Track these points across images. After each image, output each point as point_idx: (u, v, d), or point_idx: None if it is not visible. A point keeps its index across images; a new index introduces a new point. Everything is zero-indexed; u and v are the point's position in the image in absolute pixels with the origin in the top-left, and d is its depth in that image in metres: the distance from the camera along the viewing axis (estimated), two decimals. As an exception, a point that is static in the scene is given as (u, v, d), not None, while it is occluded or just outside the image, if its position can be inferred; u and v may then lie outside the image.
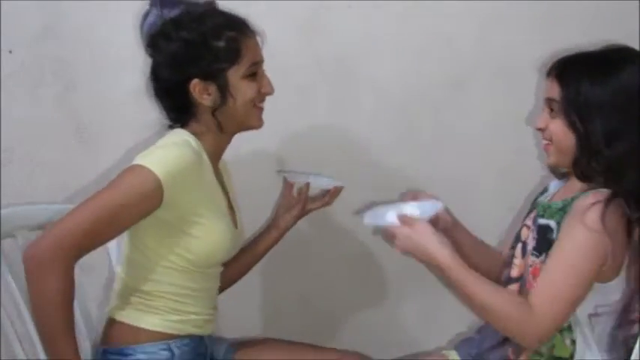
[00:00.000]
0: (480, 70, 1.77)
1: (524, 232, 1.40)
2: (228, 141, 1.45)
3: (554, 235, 1.30)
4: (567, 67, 1.32)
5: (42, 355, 1.49)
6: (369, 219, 1.43)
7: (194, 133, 1.39)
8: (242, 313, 1.88)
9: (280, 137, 1.83)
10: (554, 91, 1.31)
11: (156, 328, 1.39)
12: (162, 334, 1.39)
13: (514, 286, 1.38)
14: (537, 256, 1.33)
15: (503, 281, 1.42)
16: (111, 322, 1.43)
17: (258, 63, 1.40)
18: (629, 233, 1.25)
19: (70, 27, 1.78)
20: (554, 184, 1.46)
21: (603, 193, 1.26)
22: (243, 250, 1.61)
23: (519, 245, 1.40)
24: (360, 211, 1.56)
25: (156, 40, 1.37)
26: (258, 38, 1.41)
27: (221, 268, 1.51)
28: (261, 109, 1.43)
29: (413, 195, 1.49)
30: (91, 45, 1.72)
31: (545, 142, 1.37)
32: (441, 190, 1.83)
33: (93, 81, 1.77)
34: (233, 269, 1.59)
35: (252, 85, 1.38)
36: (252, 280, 1.89)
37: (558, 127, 1.32)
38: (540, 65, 1.49)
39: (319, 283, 1.94)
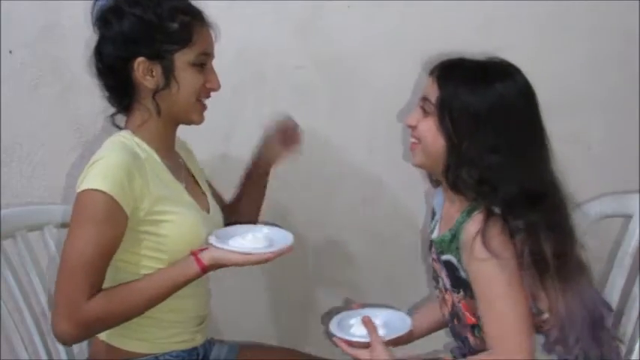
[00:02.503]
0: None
1: (437, 267, 1.38)
2: (174, 129, 1.41)
3: (461, 273, 1.29)
4: (449, 71, 1.30)
5: (43, 354, 1.50)
6: (337, 331, 1.34)
7: (135, 128, 1.36)
8: (241, 314, 1.88)
9: (280, 137, 1.83)
10: (432, 92, 1.29)
11: (140, 350, 1.37)
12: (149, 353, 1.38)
13: (456, 322, 1.37)
14: (457, 292, 1.31)
15: (447, 320, 1.40)
16: (95, 341, 1.40)
17: (208, 54, 1.37)
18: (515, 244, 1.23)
19: (70, 27, 1.78)
20: (437, 204, 1.44)
21: (478, 216, 1.24)
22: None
23: (440, 281, 1.38)
24: (331, 314, 1.47)
25: (107, 15, 1.33)
26: (212, 32, 1.38)
27: None
28: (204, 106, 1.39)
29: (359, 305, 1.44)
30: (91, 45, 1.72)
31: (412, 140, 1.34)
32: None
33: (93, 81, 1.77)
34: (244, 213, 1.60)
35: (199, 76, 1.34)
36: (251, 281, 1.89)
37: (429, 128, 1.29)
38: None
39: (319, 283, 1.94)
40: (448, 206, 1.36)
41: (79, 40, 1.78)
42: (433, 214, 1.45)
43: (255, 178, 1.63)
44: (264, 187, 1.64)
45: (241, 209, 1.62)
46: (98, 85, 1.39)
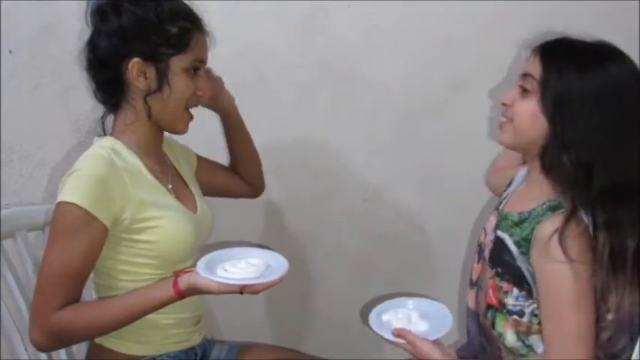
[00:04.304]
0: (480, 70, 1.77)
1: (482, 236, 1.36)
2: (161, 132, 1.39)
3: (513, 259, 1.24)
4: (554, 49, 1.24)
5: (43, 354, 1.49)
6: (378, 328, 1.30)
7: (121, 129, 1.35)
8: (241, 314, 1.88)
9: (280, 137, 1.84)
10: (535, 68, 1.23)
11: (137, 352, 1.36)
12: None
13: (473, 292, 1.35)
14: (492, 268, 1.29)
15: (469, 284, 1.39)
16: (93, 345, 1.39)
17: (202, 61, 1.36)
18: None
19: (70, 27, 1.78)
20: (519, 177, 1.40)
21: (560, 215, 1.19)
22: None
23: (479, 249, 1.36)
24: (368, 306, 1.43)
25: (106, 10, 1.32)
26: (208, 40, 1.37)
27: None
28: (190, 116, 1.38)
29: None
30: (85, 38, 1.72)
31: (503, 118, 1.29)
32: (442, 191, 1.85)
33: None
34: (246, 171, 1.65)
35: (190, 83, 1.33)
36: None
37: (526, 109, 1.23)
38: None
39: (319, 283, 1.94)
40: (525, 187, 1.32)
41: (80, 40, 1.79)
42: (510, 183, 1.41)
43: (232, 129, 1.63)
44: (244, 130, 1.63)
45: (239, 161, 1.66)
46: (87, 78, 1.38)
